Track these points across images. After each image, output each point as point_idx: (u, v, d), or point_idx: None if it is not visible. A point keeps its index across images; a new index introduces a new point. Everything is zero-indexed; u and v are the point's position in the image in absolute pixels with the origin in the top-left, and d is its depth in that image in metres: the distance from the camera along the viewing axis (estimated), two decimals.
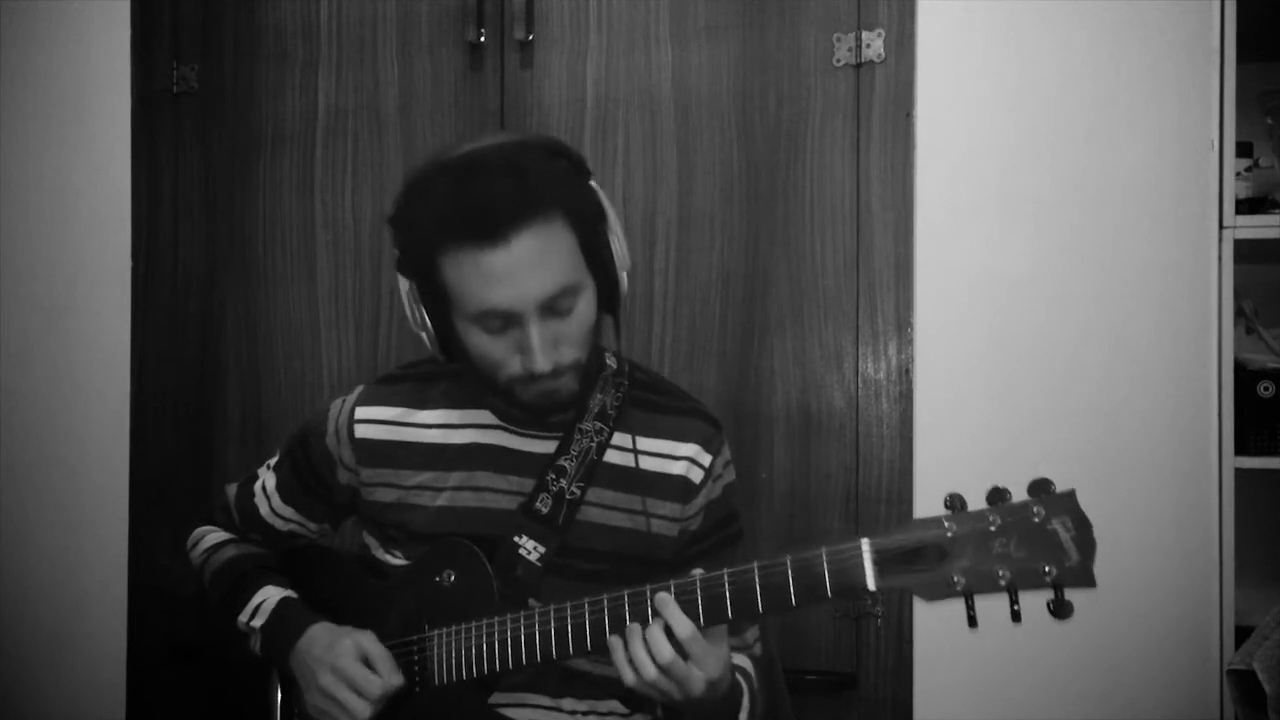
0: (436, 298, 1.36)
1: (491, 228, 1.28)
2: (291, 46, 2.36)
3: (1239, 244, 1.97)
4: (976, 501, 1.19)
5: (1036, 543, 1.15)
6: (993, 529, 1.16)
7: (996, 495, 1.17)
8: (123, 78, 2.41)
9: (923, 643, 2.06)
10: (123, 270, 2.41)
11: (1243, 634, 1.78)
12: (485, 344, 1.36)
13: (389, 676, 1.40)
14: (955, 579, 1.16)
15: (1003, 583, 1.15)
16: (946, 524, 1.18)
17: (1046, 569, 1.14)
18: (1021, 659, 2.02)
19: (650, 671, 1.25)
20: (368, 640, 1.42)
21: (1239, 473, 1.95)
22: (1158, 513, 1.99)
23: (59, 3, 2.44)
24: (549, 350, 1.34)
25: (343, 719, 1.39)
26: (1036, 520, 1.15)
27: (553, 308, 1.33)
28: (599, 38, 2.22)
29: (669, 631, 1.25)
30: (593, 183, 1.38)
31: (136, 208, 2.41)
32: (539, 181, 1.31)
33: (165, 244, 2.42)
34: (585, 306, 1.36)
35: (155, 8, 2.42)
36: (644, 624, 1.27)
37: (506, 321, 1.33)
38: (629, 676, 1.27)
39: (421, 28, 2.31)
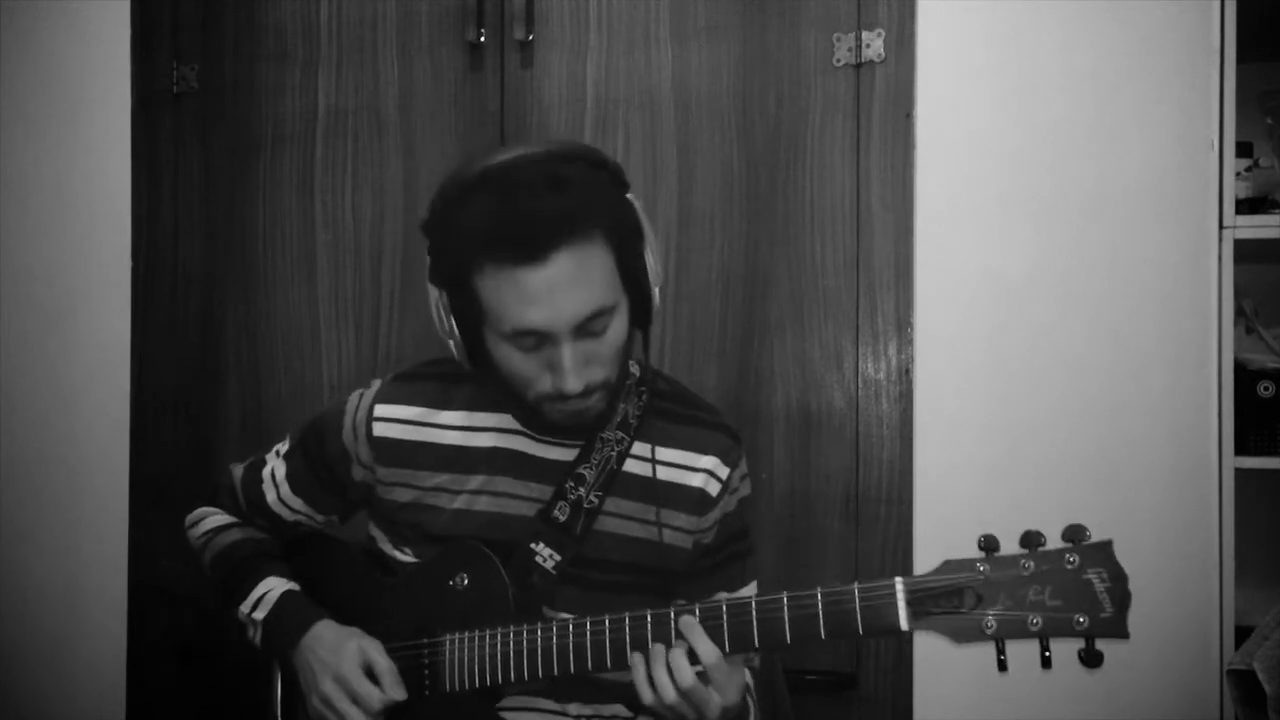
0: (468, 309, 1.34)
1: (531, 245, 1.26)
2: (291, 46, 2.36)
3: (1239, 244, 1.97)
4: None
5: (1071, 592, 1.15)
6: (1026, 574, 1.16)
7: (1030, 540, 1.17)
8: (123, 78, 2.41)
9: (923, 643, 2.06)
10: (123, 270, 2.41)
11: (1243, 634, 1.78)
12: (516, 361, 1.34)
13: (390, 690, 1.39)
14: (988, 624, 1.17)
15: (1034, 629, 1.16)
16: (980, 567, 1.17)
17: (1079, 620, 1.14)
18: (1021, 659, 2.02)
19: (670, 694, 1.25)
20: (374, 649, 1.42)
21: (1239, 473, 1.95)
22: (1158, 512, 1.98)
23: (59, 3, 2.44)
24: (580, 370, 1.32)
25: None
26: (1070, 568, 1.15)
27: (587, 328, 1.31)
28: (599, 38, 2.22)
29: (691, 655, 1.25)
30: (630, 196, 1.36)
31: (136, 208, 2.41)
32: (581, 199, 1.28)
33: (165, 244, 2.42)
34: (618, 326, 1.35)
35: (155, 8, 2.42)
36: (667, 645, 1.27)
37: (540, 341, 1.31)
38: (648, 696, 1.27)
39: (421, 28, 2.31)
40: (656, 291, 1.37)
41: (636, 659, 1.27)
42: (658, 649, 1.26)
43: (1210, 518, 1.95)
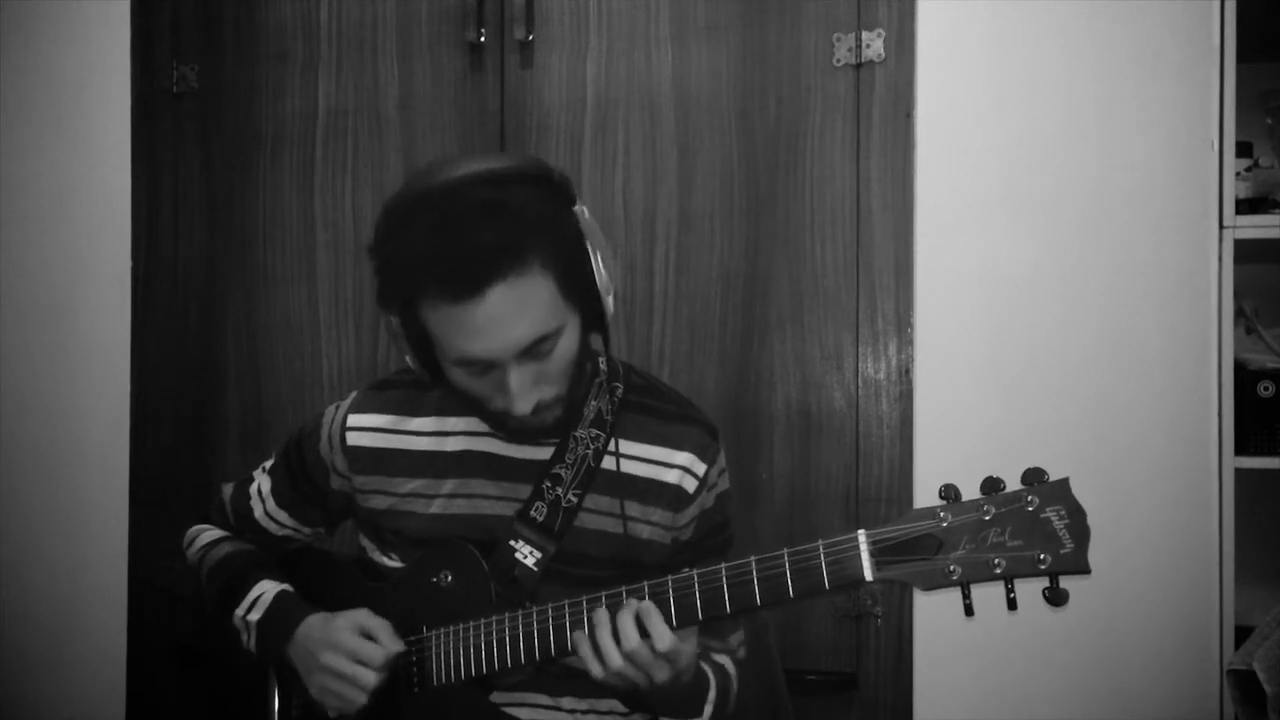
0: (418, 332, 1.35)
1: (465, 283, 1.26)
2: (291, 46, 2.36)
3: (1239, 244, 1.97)
4: (972, 494, 1.20)
5: (1031, 531, 1.17)
6: (987, 518, 1.18)
7: (990, 485, 1.19)
8: (123, 78, 2.41)
9: (923, 643, 2.06)
10: (123, 270, 2.41)
11: (1243, 634, 1.78)
12: (468, 382, 1.36)
13: (390, 644, 1.41)
14: (951, 568, 1.18)
15: (998, 571, 1.17)
16: (941, 514, 1.19)
17: (1041, 557, 1.16)
18: (1022, 659, 2.02)
19: (615, 659, 1.26)
20: (363, 614, 1.43)
21: (1239, 473, 1.95)
22: (1158, 513, 1.99)
23: (59, 3, 2.44)
24: (529, 392, 1.33)
25: (349, 692, 1.40)
26: (1030, 509, 1.17)
27: (533, 352, 1.31)
28: (599, 38, 2.22)
29: (639, 623, 1.26)
30: (577, 208, 1.35)
31: (136, 208, 2.41)
32: (518, 227, 1.27)
33: (165, 244, 2.42)
34: (566, 344, 1.34)
35: (155, 8, 2.42)
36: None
37: (487, 366, 1.32)
38: (596, 669, 1.28)
39: (421, 28, 2.31)
40: (609, 299, 1.36)
41: (579, 636, 1.29)
42: (602, 615, 1.28)
43: (1210, 518, 1.95)
